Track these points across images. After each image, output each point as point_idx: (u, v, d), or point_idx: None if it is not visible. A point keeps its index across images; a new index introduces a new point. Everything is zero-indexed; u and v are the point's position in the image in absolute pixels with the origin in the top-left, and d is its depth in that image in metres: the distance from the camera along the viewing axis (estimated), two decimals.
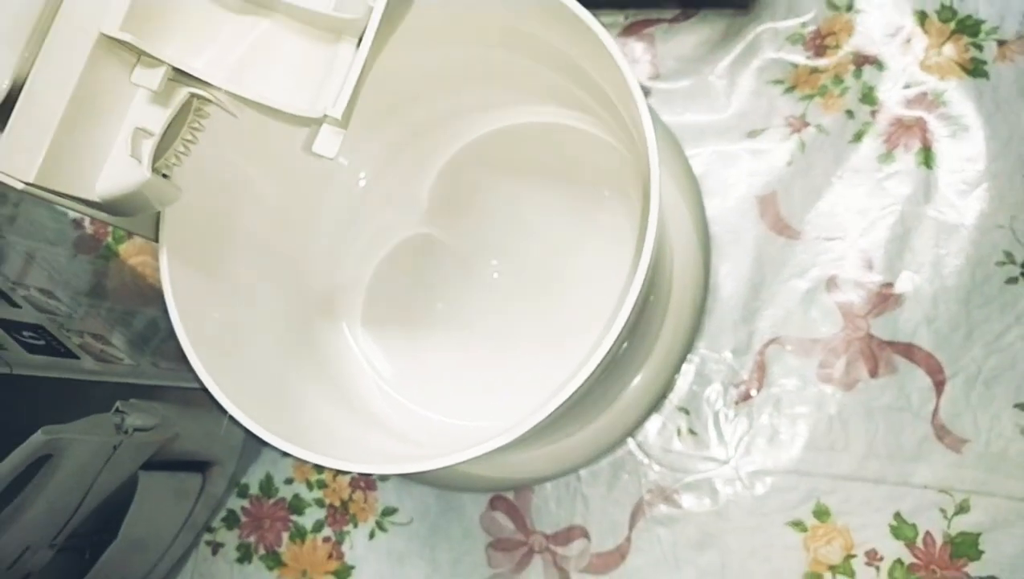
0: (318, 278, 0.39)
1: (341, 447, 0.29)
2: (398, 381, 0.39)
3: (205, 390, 0.28)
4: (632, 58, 0.43)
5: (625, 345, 0.38)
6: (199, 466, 0.40)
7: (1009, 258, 0.37)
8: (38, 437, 0.29)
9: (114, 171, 0.26)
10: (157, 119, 0.26)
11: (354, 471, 0.27)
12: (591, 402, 0.38)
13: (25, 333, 0.30)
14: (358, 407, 0.37)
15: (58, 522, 0.33)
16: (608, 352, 0.26)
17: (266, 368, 0.33)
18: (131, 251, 0.49)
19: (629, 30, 0.43)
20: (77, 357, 0.32)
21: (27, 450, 0.29)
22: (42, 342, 0.31)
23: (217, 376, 0.27)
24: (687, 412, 0.39)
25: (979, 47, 0.39)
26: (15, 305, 0.33)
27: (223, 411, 0.30)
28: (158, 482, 0.37)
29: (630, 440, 0.39)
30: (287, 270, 0.37)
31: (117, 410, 0.32)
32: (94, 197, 0.27)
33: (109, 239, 0.49)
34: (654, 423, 0.39)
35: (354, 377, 0.38)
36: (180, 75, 0.26)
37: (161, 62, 0.25)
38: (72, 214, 0.50)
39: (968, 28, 0.39)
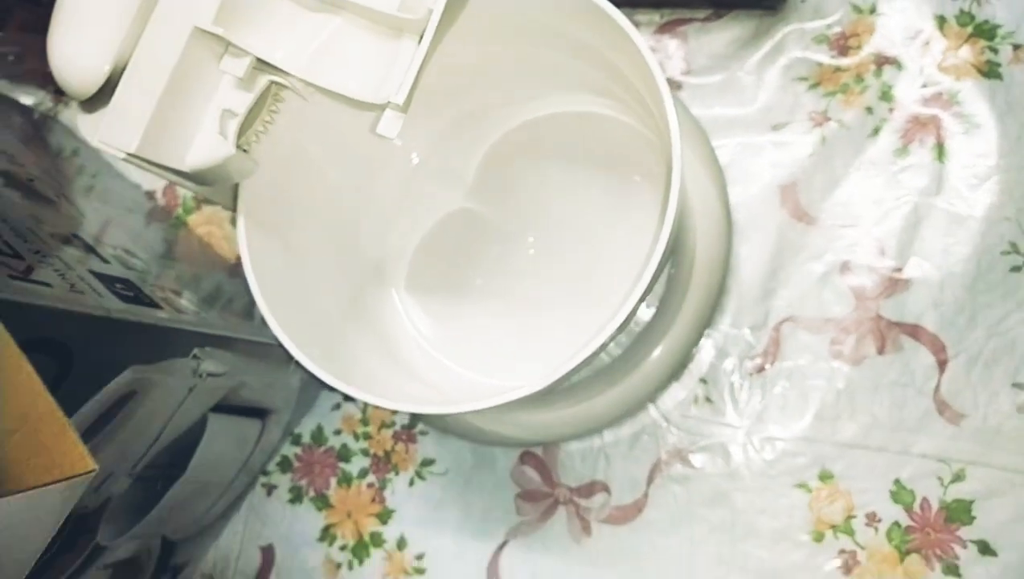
0: (370, 245, 0.43)
1: (388, 393, 0.33)
2: (438, 341, 0.43)
3: (271, 344, 0.32)
4: (666, 54, 0.46)
5: (649, 314, 0.41)
6: (259, 414, 0.44)
7: (1014, 248, 0.39)
8: (127, 374, 0.33)
9: (203, 146, 0.30)
10: (241, 102, 0.30)
11: (398, 409, 0.30)
12: (616, 367, 0.41)
13: (117, 285, 0.35)
14: (402, 362, 0.41)
15: (137, 453, 0.37)
16: (626, 317, 0.29)
17: (323, 323, 0.36)
18: (199, 221, 0.53)
19: (664, 28, 0.46)
20: (160, 307, 0.36)
21: (118, 385, 0.33)
22: (131, 293, 0.35)
23: (285, 326, 0.31)
24: (705, 382, 0.42)
25: (994, 50, 0.41)
26: (106, 261, 0.37)
27: (286, 363, 0.34)
28: (224, 424, 0.41)
29: (651, 405, 0.42)
30: (344, 238, 0.41)
31: (194, 356, 0.36)
32: (184, 168, 0.31)
33: (179, 210, 0.54)
34: (674, 391, 0.42)
35: (399, 337, 0.42)
36: (262, 64, 0.29)
37: (246, 53, 0.29)
38: (146, 186, 0.54)
39: (985, 32, 0.41)
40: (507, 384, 0.38)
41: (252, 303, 0.44)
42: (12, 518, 0.23)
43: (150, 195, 0.54)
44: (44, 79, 0.57)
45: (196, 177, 0.31)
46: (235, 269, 0.51)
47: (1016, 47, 0.41)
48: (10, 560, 0.24)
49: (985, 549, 0.37)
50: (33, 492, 0.22)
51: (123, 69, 0.30)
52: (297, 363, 0.31)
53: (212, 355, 0.37)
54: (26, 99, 0.58)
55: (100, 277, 0.35)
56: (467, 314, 0.43)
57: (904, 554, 0.38)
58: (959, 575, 0.37)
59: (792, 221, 0.42)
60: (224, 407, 0.41)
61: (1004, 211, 0.40)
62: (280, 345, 0.32)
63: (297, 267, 0.36)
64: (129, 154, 0.29)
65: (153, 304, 0.36)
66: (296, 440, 0.48)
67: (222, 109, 0.30)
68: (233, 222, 0.52)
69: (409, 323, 0.43)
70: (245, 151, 0.32)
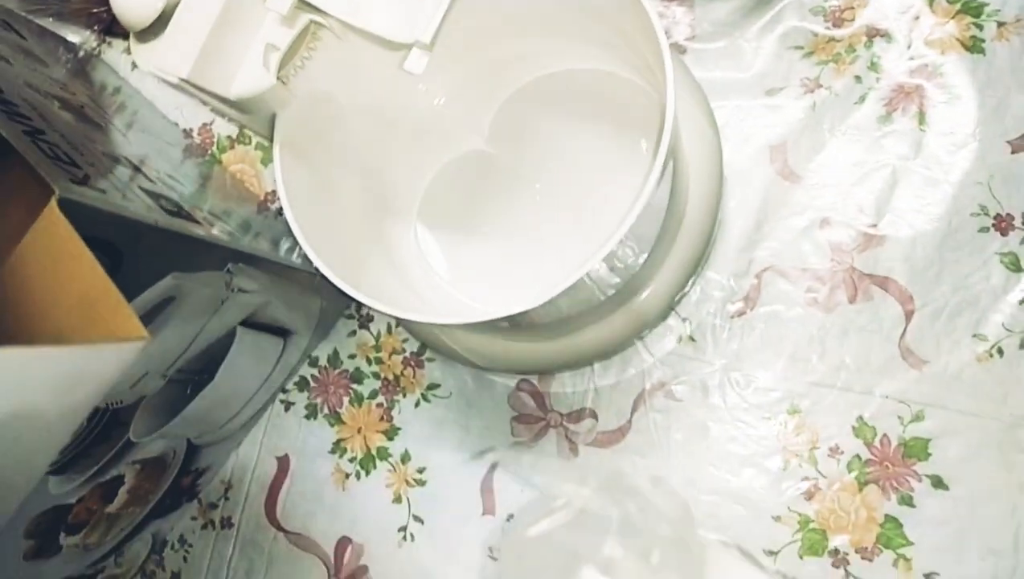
0: (392, 178, 0.46)
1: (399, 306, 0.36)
2: (447, 273, 0.46)
3: (296, 268, 0.35)
4: (673, 20, 0.48)
5: (642, 259, 0.45)
6: (282, 333, 0.48)
7: (983, 211, 0.42)
8: (169, 280, 0.37)
9: (247, 76, 0.34)
10: (283, 37, 0.33)
11: (405, 318, 0.34)
12: (608, 306, 0.45)
13: (163, 201, 0.38)
14: (415, 289, 0.44)
15: (172, 356, 0.41)
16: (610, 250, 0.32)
17: (345, 244, 0.40)
18: (231, 159, 0.57)
19: None
20: (200, 224, 0.39)
21: (160, 289, 0.37)
22: (175, 209, 0.39)
23: (312, 241, 0.35)
24: (690, 322, 0.45)
25: (980, 26, 0.43)
26: (152, 181, 0.41)
27: (309, 288, 0.36)
28: (251, 339, 0.45)
29: (638, 342, 0.46)
30: (368, 169, 0.44)
31: (228, 270, 0.40)
32: (230, 95, 0.34)
33: (213, 148, 0.57)
34: (660, 330, 0.46)
35: (412, 266, 0.46)
36: (303, 3, 0.33)
37: None
38: (182, 124, 0.58)
39: (972, 9, 0.44)
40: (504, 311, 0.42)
41: (278, 236, 0.48)
42: (69, 369, 0.26)
43: (187, 133, 0.58)
44: (89, 19, 0.61)
45: (239, 105, 0.35)
46: (263, 205, 0.54)
47: (1000, 24, 0.43)
48: (67, 408, 0.27)
49: (938, 483, 0.40)
50: (91, 345, 0.25)
51: (175, 4, 0.34)
52: (321, 277, 0.35)
53: (244, 272, 0.41)
54: (72, 37, 0.61)
55: (148, 193, 0.38)
56: (474, 248, 0.47)
57: (863, 484, 0.41)
58: (913, 506, 0.41)
59: (779, 179, 0.45)
60: (251, 323, 0.44)
61: (976, 176, 0.42)
62: (304, 269, 0.35)
63: (325, 193, 0.40)
64: (181, 79, 0.33)
65: (195, 221, 0.39)
66: (313, 362, 0.52)
67: (266, 43, 0.33)
68: (263, 162, 0.56)
69: (421, 254, 0.47)
70: (284, 83, 0.35)
